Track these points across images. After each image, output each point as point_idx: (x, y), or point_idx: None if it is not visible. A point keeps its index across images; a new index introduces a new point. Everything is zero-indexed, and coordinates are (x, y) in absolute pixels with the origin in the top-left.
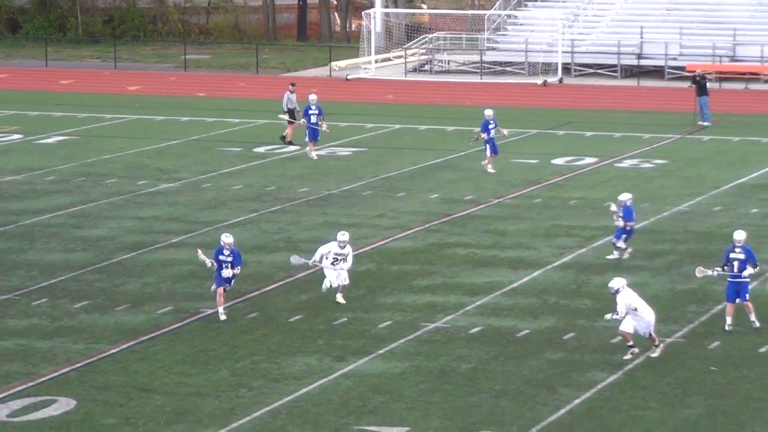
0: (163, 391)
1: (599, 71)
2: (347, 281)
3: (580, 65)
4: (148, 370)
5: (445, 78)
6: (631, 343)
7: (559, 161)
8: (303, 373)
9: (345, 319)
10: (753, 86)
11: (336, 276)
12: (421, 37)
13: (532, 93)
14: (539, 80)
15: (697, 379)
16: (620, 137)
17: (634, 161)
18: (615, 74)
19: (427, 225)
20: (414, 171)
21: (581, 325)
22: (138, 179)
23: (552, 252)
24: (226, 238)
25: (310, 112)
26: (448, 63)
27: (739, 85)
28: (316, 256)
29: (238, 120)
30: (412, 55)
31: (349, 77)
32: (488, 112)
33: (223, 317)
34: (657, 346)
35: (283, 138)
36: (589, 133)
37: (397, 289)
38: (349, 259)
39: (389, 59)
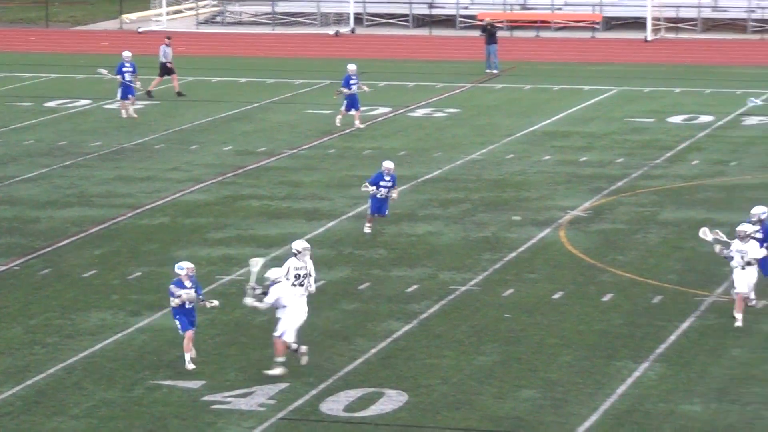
0: None
1: (391, 21)
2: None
3: (372, 15)
4: None
5: (238, 29)
6: (295, 346)
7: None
8: (98, 328)
9: (139, 273)
10: (544, 34)
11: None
12: None
13: (324, 43)
14: (331, 31)
15: (491, 327)
16: (413, 87)
17: (427, 110)
18: (407, 24)
19: (220, 177)
20: (207, 123)
21: (376, 275)
22: None
23: (346, 202)
24: (186, 264)
25: (125, 69)
26: (240, 14)
27: (530, 33)
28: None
29: (28, 74)
30: (204, 6)
31: (140, 30)
32: (351, 67)
33: (191, 366)
34: (304, 354)
35: (179, 93)
36: (382, 83)
37: (191, 243)
38: (312, 274)
39: (180, 11)
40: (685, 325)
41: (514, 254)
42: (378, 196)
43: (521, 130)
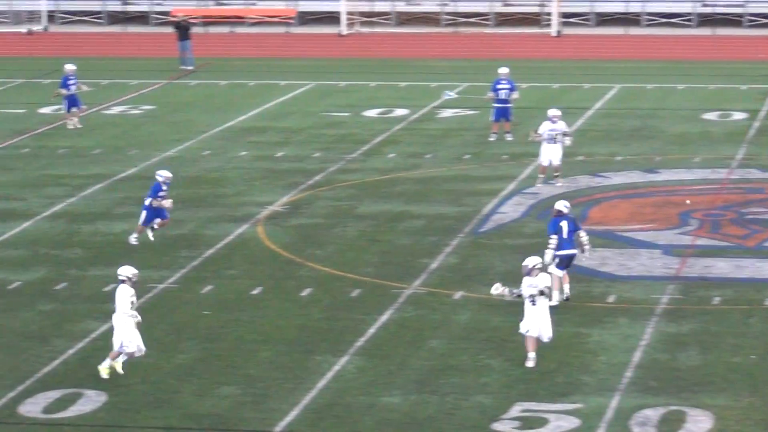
0: None
1: (85, 18)
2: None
3: (65, 13)
4: None
5: None
6: None
7: (46, 110)
8: None
9: None
10: (238, 30)
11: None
12: None
13: (16, 42)
14: (24, 29)
15: (190, 324)
16: (108, 84)
17: (123, 108)
18: (101, 21)
19: None
20: None
21: (73, 275)
22: None
23: (42, 202)
24: None
25: None
26: None
27: (224, 29)
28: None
29: None
30: None
31: None
32: (69, 67)
33: None
34: None
35: None
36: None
37: None
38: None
39: None
40: (384, 317)
41: (212, 251)
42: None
43: (217, 126)
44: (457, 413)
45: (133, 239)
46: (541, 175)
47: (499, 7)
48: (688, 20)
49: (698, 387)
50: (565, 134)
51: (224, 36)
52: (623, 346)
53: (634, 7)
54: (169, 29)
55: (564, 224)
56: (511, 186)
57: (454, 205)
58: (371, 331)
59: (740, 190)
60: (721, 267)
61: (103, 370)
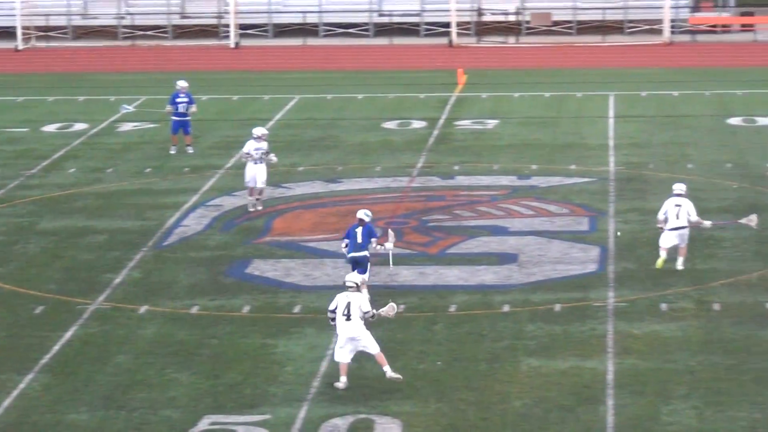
0: None
1: None
2: None
3: None
4: None
5: None
6: None
7: None
8: None
9: None
10: None
11: None
12: None
13: None
14: None
15: None
16: None
17: None
18: None
19: None
20: None
21: None
22: None
23: None
24: None
25: None
26: None
27: None
28: None
29: None
30: None
31: None
32: None
33: None
34: None
35: None
36: None
37: None
38: None
39: None
40: (68, 334)
41: None
42: None
43: None
44: (145, 428)
45: None
46: (250, 198)
47: (176, 20)
48: (366, 30)
49: (386, 395)
50: (268, 153)
51: None
52: (310, 356)
53: (312, 18)
54: None
55: (359, 230)
56: (194, 199)
57: (137, 219)
58: (56, 348)
59: (422, 198)
60: (405, 275)
61: None
